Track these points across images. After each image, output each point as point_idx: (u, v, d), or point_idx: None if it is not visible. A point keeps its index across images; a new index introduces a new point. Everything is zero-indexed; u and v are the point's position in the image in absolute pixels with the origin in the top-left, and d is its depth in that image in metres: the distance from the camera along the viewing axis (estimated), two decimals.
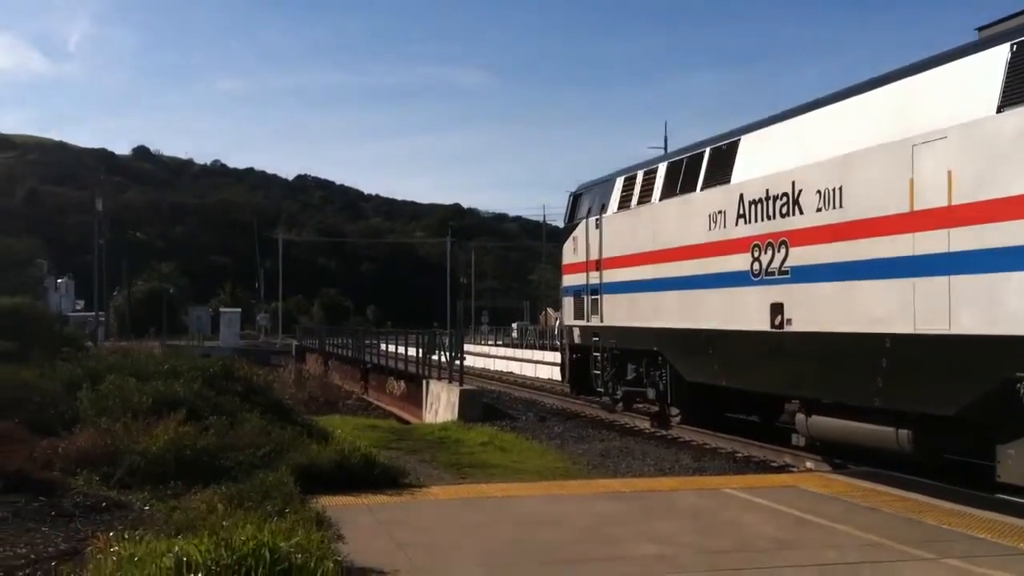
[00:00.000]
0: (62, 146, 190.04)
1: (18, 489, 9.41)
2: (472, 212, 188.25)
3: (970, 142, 10.52)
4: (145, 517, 8.52)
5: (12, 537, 8.06)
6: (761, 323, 14.35)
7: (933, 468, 12.26)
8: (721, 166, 15.94)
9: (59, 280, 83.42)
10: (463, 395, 23.36)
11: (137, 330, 79.42)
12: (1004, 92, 10.20)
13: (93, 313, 68.91)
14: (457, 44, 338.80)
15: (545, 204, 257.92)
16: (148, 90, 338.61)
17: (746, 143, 15.42)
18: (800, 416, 14.09)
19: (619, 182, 20.22)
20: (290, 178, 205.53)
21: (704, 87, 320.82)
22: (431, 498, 10.50)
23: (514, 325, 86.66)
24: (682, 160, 17.60)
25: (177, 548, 6.09)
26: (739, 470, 14.61)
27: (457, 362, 25.86)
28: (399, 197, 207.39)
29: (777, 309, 13.99)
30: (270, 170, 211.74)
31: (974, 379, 10.50)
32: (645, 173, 19.05)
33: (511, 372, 46.75)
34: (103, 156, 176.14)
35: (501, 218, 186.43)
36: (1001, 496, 10.46)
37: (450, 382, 25.55)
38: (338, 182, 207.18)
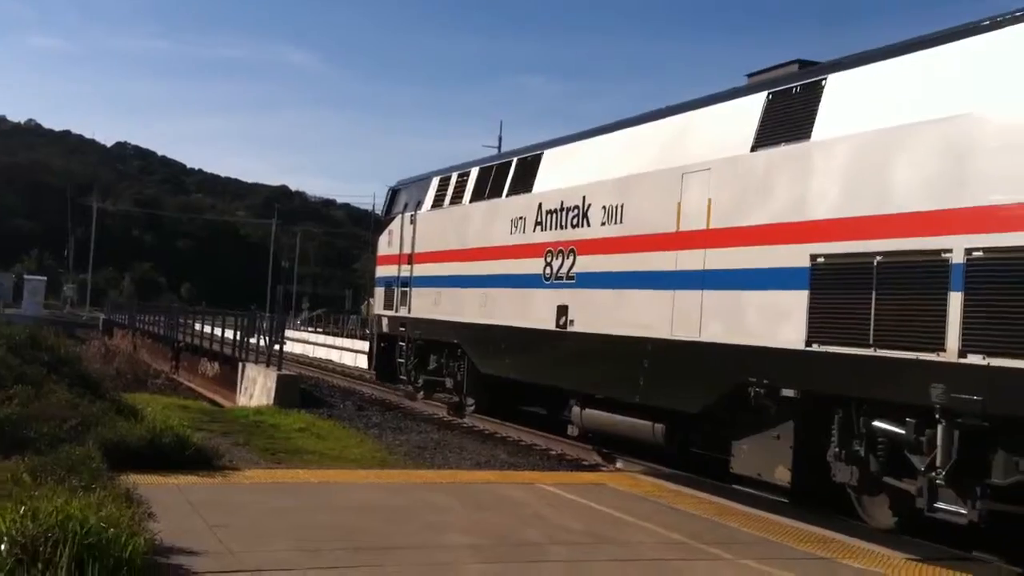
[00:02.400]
0: None
1: None
2: (299, 195, 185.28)
3: (727, 175, 12.07)
4: None
5: None
6: (548, 322, 15.67)
7: (683, 459, 13.87)
8: (526, 176, 17.22)
9: None
10: (280, 380, 23.27)
11: None
12: (757, 134, 11.77)
13: None
14: (285, 24, 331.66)
15: (375, 193, 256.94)
16: None
17: (548, 157, 16.75)
18: (576, 409, 15.51)
19: (435, 181, 21.29)
20: (109, 144, 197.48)
21: (537, 91, 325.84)
22: (245, 481, 10.48)
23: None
24: (492, 167, 18.83)
25: None
26: (552, 467, 15.31)
27: (276, 346, 25.81)
28: (223, 174, 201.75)
29: (562, 310, 15.34)
30: (88, 134, 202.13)
31: (715, 382, 12.05)
32: (459, 175, 20.19)
33: (330, 360, 46.68)
34: None
35: (329, 204, 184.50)
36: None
37: (267, 366, 25.35)
38: (160, 153, 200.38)
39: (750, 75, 13.18)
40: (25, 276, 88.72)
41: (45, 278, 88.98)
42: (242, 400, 26.28)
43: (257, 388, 25.13)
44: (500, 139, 56.25)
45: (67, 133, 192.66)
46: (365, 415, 21.69)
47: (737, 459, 12.08)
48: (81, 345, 40.24)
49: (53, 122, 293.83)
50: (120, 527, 6.19)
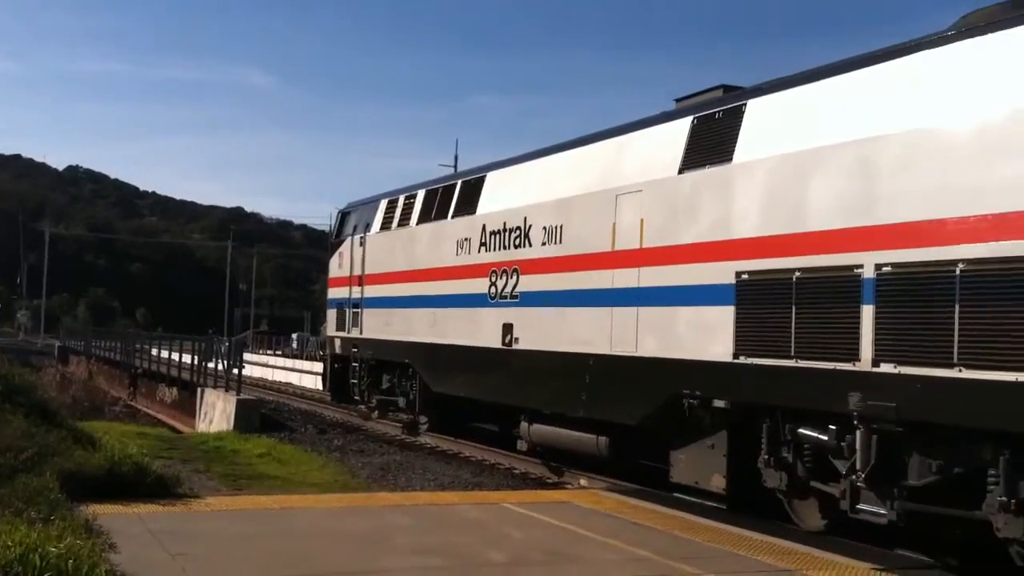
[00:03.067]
0: None
1: None
2: (255, 217, 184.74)
3: (657, 196, 12.57)
4: None
5: None
6: (495, 341, 16.08)
7: (625, 470, 14.32)
8: (470, 198, 17.65)
9: None
10: (240, 404, 22.99)
11: None
12: (684, 157, 12.28)
13: None
14: (241, 45, 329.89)
15: (332, 214, 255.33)
16: None
17: (491, 179, 17.20)
18: (524, 424, 15.93)
19: (383, 204, 21.66)
20: (60, 168, 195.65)
21: (494, 109, 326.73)
22: (206, 509, 10.48)
23: (294, 335, 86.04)
24: (438, 189, 19.24)
25: None
26: (516, 486, 15.28)
27: (235, 370, 25.71)
28: (177, 196, 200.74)
29: (508, 329, 15.76)
30: (39, 158, 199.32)
31: (652, 394, 12.52)
32: (406, 198, 20.57)
33: (290, 383, 46.32)
34: None
35: (286, 225, 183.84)
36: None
37: (227, 391, 25.11)
38: (112, 176, 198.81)
39: (678, 100, 13.70)
40: None
41: None
42: (202, 426, 26.07)
43: (216, 413, 24.95)
44: (456, 158, 56.70)
45: (17, 157, 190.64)
46: (327, 438, 21.49)
47: (675, 468, 12.55)
48: (36, 373, 40.02)
49: (3, 146, 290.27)
50: (80, 559, 6.22)
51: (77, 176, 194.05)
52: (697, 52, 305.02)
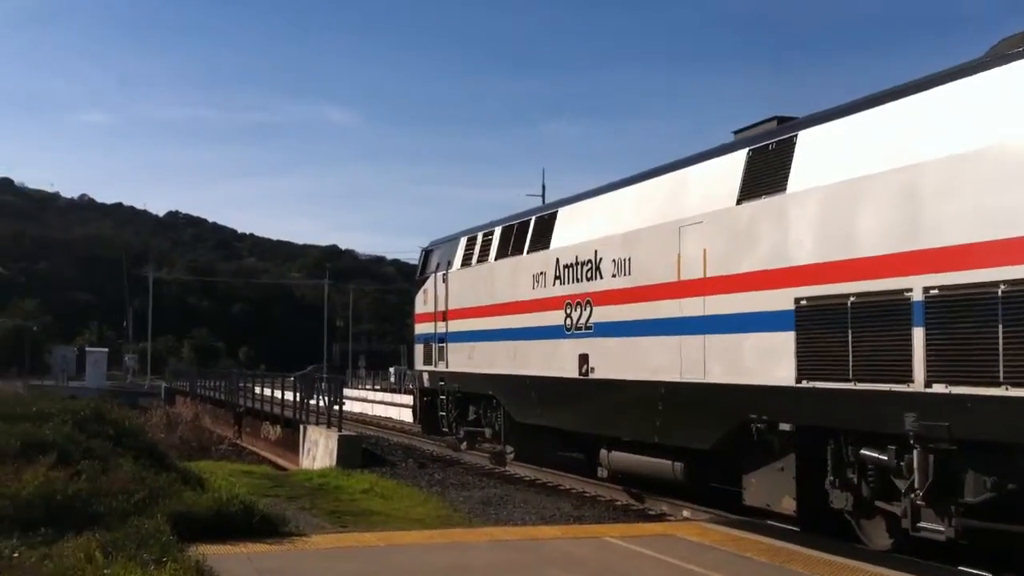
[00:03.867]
0: None
1: None
2: (349, 254, 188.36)
3: (718, 227, 13.00)
4: (15, 565, 8.35)
5: None
6: (572, 371, 16.62)
7: (701, 494, 14.67)
8: (543, 233, 18.27)
9: None
10: (342, 441, 23.44)
11: None
12: (742, 188, 12.70)
13: None
14: (329, 83, 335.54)
15: (419, 248, 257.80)
16: (8, 119, 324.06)
17: (562, 214, 17.80)
18: (603, 452, 16.42)
19: (463, 241, 22.44)
20: (161, 214, 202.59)
21: (576, 134, 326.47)
22: (312, 547, 10.65)
23: (391, 369, 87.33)
24: (513, 226, 19.91)
25: None
26: (618, 518, 15.09)
27: (336, 407, 26.37)
28: (274, 237, 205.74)
29: (584, 359, 16.28)
30: (139, 205, 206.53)
31: (721, 419, 12.90)
32: (484, 235, 21.30)
33: (389, 417, 46.42)
34: None
35: (379, 260, 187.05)
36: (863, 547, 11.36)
37: (328, 427, 25.64)
38: (211, 220, 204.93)
39: (736, 132, 14.12)
40: (87, 348, 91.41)
41: (106, 350, 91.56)
42: (305, 462, 26.57)
43: (319, 450, 25.49)
44: (544, 187, 57.22)
45: (119, 205, 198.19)
46: (427, 472, 21.55)
47: (748, 491, 12.89)
48: (144, 415, 41.59)
49: (105, 196, 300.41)
50: None
51: (177, 221, 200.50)
52: (794, 64, 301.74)
